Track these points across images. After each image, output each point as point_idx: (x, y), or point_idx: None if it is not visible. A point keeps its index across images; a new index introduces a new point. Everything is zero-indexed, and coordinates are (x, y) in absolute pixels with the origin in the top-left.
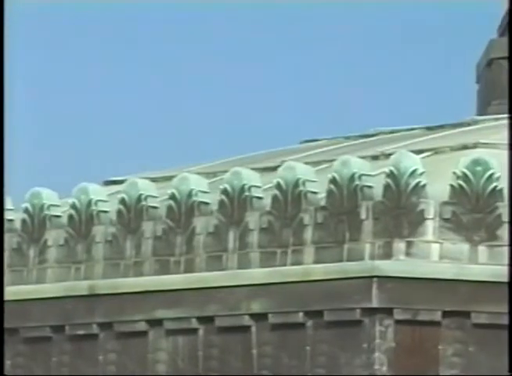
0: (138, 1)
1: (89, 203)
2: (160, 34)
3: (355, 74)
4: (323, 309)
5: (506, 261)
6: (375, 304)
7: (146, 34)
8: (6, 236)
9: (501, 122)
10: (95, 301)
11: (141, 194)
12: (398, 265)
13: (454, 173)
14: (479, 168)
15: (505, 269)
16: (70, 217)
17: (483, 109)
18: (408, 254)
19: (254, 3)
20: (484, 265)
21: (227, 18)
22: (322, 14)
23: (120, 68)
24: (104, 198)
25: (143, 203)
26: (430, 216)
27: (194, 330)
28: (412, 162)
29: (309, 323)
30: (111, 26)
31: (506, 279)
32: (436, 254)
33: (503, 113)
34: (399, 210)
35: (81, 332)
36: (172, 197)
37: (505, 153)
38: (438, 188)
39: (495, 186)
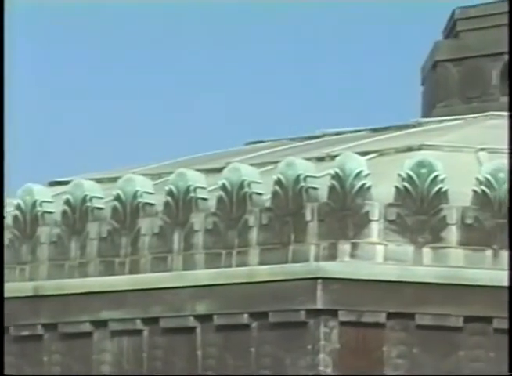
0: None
1: (34, 204)
2: (99, 33)
3: (301, 75)
4: (268, 311)
5: (450, 262)
6: (319, 305)
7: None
8: None
9: (446, 124)
10: (40, 302)
11: (86, 195)
12: (343, 267)
13: (399, 175)
14: (424, 170)
15: (449, 271)
16: (15, 218)
17: (428, 111)
18: (352, 255)
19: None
20: (428, 267)
21: (164, 23)
22: (265, 12)
23: (65, 69)
24: (49, 199)
25: (88, 204)
26: (375, 218)
27: (139, 332)
28: (357, 164)
29: (254, 324)
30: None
31: (450, 280)
32: (381, 256)
33: (448, 116)
34: (344, 211)
35: (26, 333)
36: (117, 198)
37: (449, 155)
38: (382, 190)
39: (440, 188)
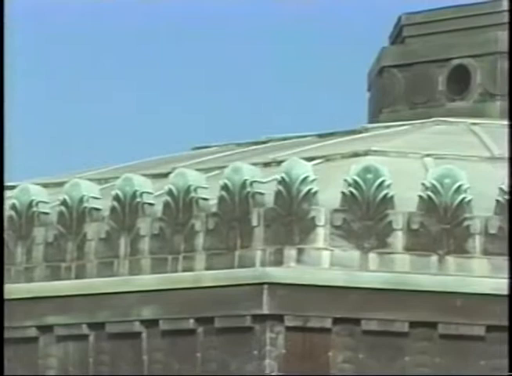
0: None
1: None
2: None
3: (247, 80)
4: (214, 316)
5: (396, 268)
6: (266, 310)
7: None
8: None
9: (392, 130)
10: None
11: (32, 200)
12: (289, 272)
13: (345, 180)
14: (370, 176)
15: (394, 276)
16: None
17: (374, 117)
18: (299, 261)
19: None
20: (374, 273)
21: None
22: (208, 14)
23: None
24: None
25: (34, 209)
26: (321, 223)
27: (85, 337)
28: (303, 169)
29: (200, 329)
30: None
31: (395, 286)
32: (327, 262)
33: (394, 121)
34: (290, 217)
35: None
36: (64, 202)
37: (396, 160)
38: (329, 195)
39: (386, 194)
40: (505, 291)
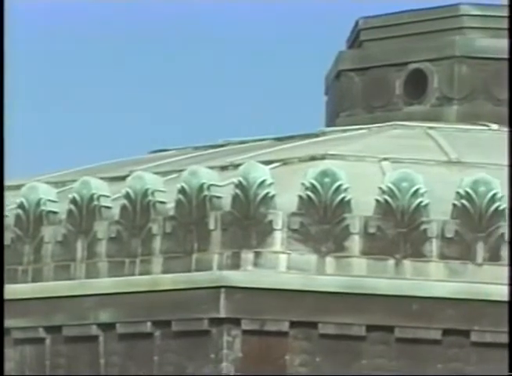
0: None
1: None
2: None
3: (205, 83)
4: (171, 319)
5: (353, 272)
6: (223, 314)
7: None
8: None
9: (349, 134)
10: None
11: None
12: (246, 276)
13: (302, 184)
14: (327, 180)
15: (351, 280)
16: None
17: (332, 120)
18: (256, 264)
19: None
20: (331, 276)
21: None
22: (162, 18)
23: None
24: None
25: None
26: (279, 227)
27: (41, 340)
28: (260, 173)
29: (157, 332)
30: None
31: (352, 289)
32: (284, 265)
33: (352, 125)
34: (248, 220)
35: None
36: (20, 205)
37: (353, 164)
38: (286, 199)
39: (343, 198)
40: (461, 295)
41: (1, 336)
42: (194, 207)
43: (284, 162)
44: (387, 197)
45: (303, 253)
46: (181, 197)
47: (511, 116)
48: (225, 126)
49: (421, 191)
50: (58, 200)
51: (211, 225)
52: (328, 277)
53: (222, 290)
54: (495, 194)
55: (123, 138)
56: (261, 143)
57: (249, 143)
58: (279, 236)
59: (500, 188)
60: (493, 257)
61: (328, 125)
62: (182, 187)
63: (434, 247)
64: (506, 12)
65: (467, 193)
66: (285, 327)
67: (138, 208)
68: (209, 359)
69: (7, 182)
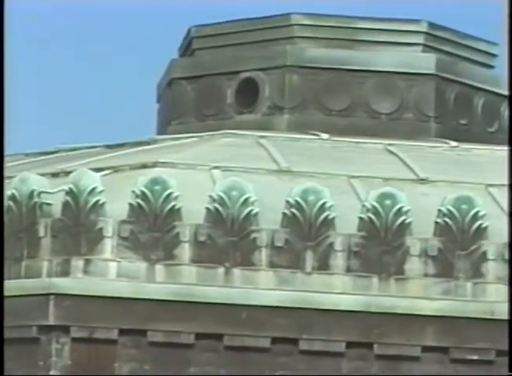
0: None
1: None
2: None
3: (37, 88)
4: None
5: (182, 280)
6: (51, 321)
7: None
8: None
9: (181, 141)
10: None
11: None
12: (76, 283)
13: (133, 192)
14: (157, 187)
15: (181, 288)
16: None
17: (163, 128)
18: (86, 272)
19: None
20: (160, 284)
21: None
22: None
23: None
24: None
25: None
26: (109, 234)
27: None
28: (91, 180)
29: None
30: None
31: (182, 297)
32: (114, 273)
33: (184, 133)
34: (78, 228)
35: None
36: None
37: (184, 172)
38: (117, 206)
39: (174, 206)
40: (290, 303)
41: (1, 336)
42: (24, 214)
43: (115, 170)
44: (217, 206)
45: (133, 261)
46: (11, 203)
47: (511, 124)
48: (57, 132)
49: (251, 200)
50: None
51: (41, 233)
52: (158, 285)
53: (51, 297)
54: (324, 203)
55: None
56: (92, 150)
57: (80, 150)
58: (109, 244)
59: (329, 197)
60: (322, 266)
61: (160, 133)
62: (12, 194)
63: (263, 255)
64: (337, 23)
65: (297, 202)
66: (114, 334)
67: None
68: (38, 367)
69: None
